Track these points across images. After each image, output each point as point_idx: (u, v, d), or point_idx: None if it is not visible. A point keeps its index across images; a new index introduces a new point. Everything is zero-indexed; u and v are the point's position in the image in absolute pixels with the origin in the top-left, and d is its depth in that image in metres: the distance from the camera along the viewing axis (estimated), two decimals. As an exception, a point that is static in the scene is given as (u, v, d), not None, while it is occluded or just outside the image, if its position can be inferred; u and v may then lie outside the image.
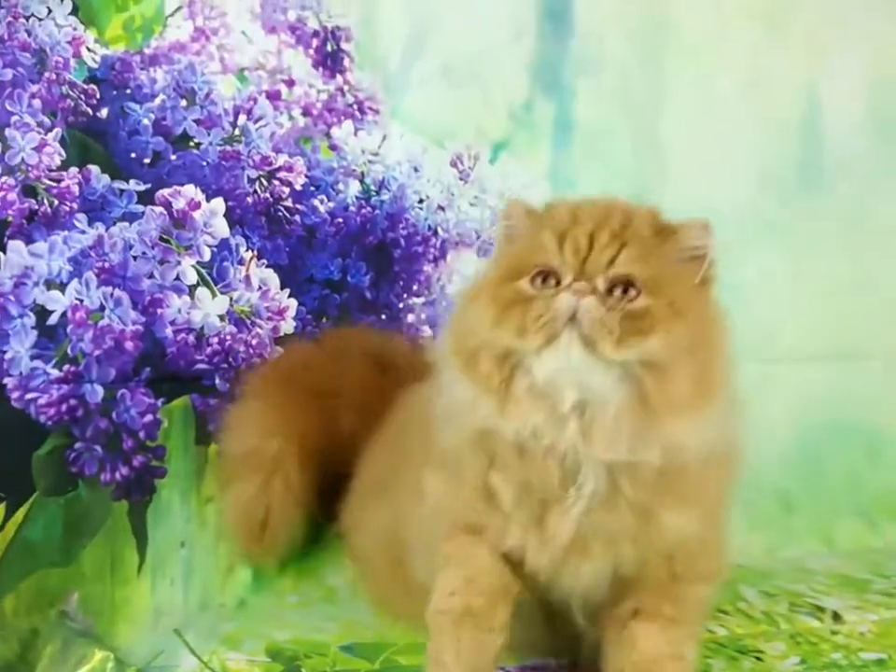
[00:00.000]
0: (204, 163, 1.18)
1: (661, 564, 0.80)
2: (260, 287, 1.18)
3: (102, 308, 1.10)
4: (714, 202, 1.34)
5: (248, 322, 1.17)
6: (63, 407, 1.09)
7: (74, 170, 1.12)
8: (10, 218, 1.09)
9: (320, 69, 1.25)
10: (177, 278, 1.14)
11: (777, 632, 0.98)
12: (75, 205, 1.12)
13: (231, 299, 1.16)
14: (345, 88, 1.25)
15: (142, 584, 1.07)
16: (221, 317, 1.16)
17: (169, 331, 1.13)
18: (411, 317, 1.25)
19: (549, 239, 0.77)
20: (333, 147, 1.22)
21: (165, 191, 1.14)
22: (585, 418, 0.73)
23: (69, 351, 1.09)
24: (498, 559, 0.80)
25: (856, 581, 1.14)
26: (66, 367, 1.09)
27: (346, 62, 1.25)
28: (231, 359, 1.16)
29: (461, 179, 1.26)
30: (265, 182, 1.19)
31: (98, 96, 1.15)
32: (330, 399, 1.14)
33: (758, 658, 0.92)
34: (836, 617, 1.02)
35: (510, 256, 0.80)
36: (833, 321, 1.36)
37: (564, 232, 0.77)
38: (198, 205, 1.16)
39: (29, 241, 1.09)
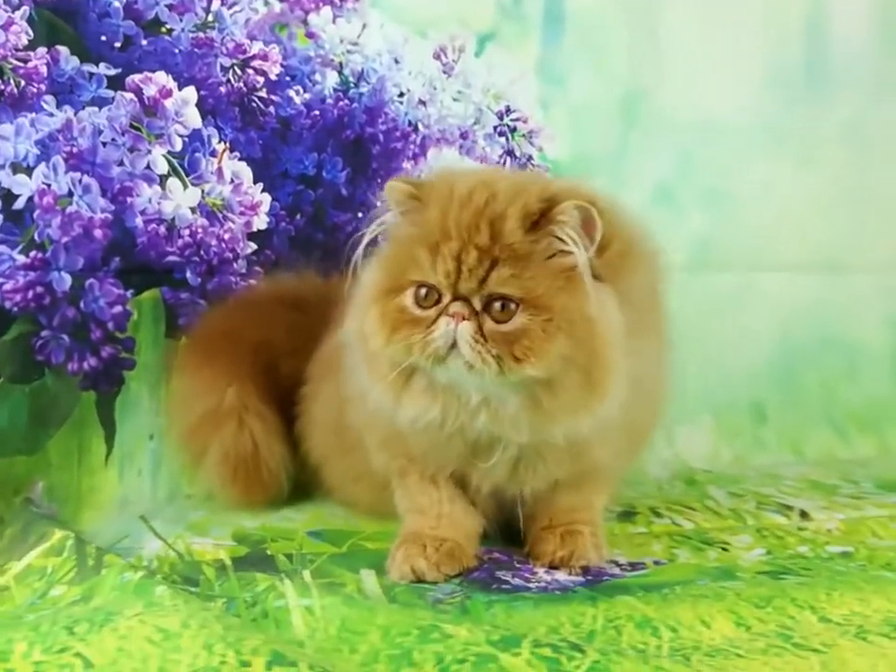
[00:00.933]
0: (176, 50, 1.14)
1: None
2: (233, 181, 1.15)
3: (70, 194, 1.08)
4: (713, 106, 1.30)
5: (220, 215, 1.15)
6: (30, 294, 1.07)
7: (42, 50, 1.09)
8: (-26, 97, 1.06)
9: (297, -47, 1.21)
10: (148, 167, 1.11)
11: (743, 527, 0.99)
12: (42, 87, 1.08)
13: (202, 191, 1.14)
14: (323, -27, 1.21)
15: (109, 474, 1.07)
16: (193, 209, 1.13)
17: (139, 221, 1.11)
18: (388, 216, 1.23)
19: (423, 256, 0.79)
20: (310, 35, 1.19)
21: (136, 77, 1.11)
22: (491, 409, 0.79)
23: (36, 237, 1.07)
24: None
25: (824, 486, 1.15)
26: (33, 253, 1.07)
27: (324, -54, 1.21)
28: (202, 253, 1.14)
29: (444, 72, 1.22)
30: (239, 71, 1.15)
31: (67, -25, 1.11)
32: (264, 349, 1.10)
33: (723, 549, 0.93)
34: (804, 515, 1.03)
35: (391, 261, 0.81)
36: (825, 233, 1.34)
37: (435, 248, 0.78)
38: (169, 93, 1.12)
39: (-6, 122, 1.06)
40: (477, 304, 0.77)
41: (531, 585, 0.83)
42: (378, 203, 0.84)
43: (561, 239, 0.76)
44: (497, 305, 0.76)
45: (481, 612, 0.76)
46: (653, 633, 0.72)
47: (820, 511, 1.04)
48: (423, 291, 0.78)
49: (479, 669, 0.63)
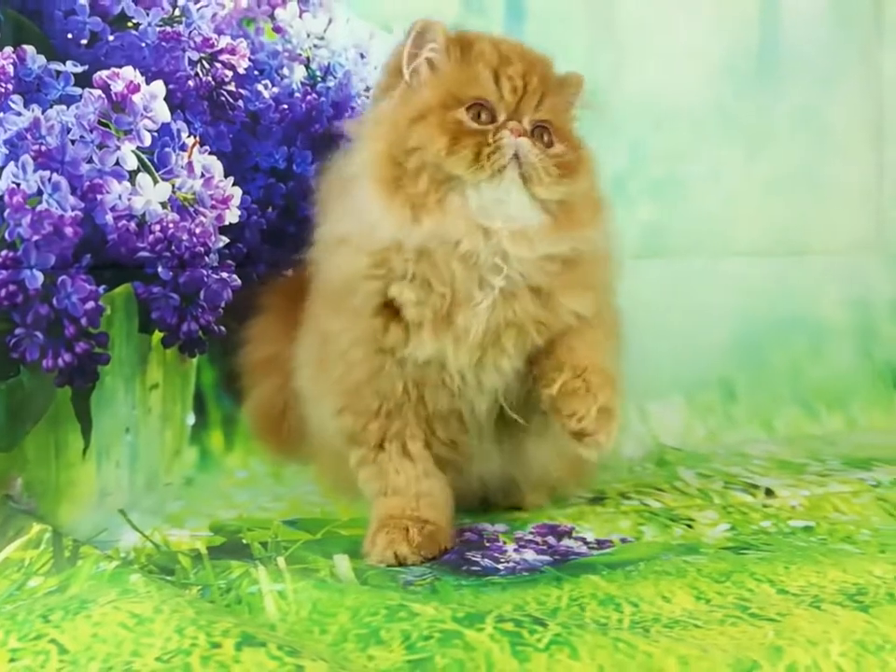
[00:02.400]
0: (143, 45, 1.14)
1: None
2: (203, 175, 1.16)
3: (39, 192, 1.08)
4: (669, 92, 1.33)
5: (191, 210, 1.16)
6: (2, 292, 1.07)
7: (8, 49, 1.09)
8: (-58, 99, 1.06)
9: (263, -53, 1.22)
10: (117, 163, 1.12)
11: (709, 505, 1.01)
12: (10, 86, 1.08)
13: (173, 185, 1.14)
14: (290, -32, 1.22)
15: (87, 467, 1.08)
16: (163, 204, 1.14)
17: (109, 218, 1.12)
18: (357, 208, 1.24)
19: (484, 74, 0.84)
20: (277, 30, 1.19)
21: (103, 73, 1.12)
22: (512, 231, 0.83)
23: (7, 236, 1.07)
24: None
25: (792, 465, 1.18)
26: (4, 252, 1.07)
27: (290, -59, 1.22)
28: (173, 247, 1.14)
29: (408, 67, 1.24)
30: (207, 65, 1.16)
31: (31, -27, 1.12)
32: None
33: (688, 526, 0.95)
34: (769, 493, 1.05)
35: (442, 83, 0.85)
36: (779, 216, 1.38)
37: (497, 69, 0.84)
38: (137, 88, 1.13)
39: (-38, 122, 1.07)
40: (527, 126, 0.84)
41: (500, 567, 0.85)
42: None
43: (575, 94, 0.90)
44: (541, 132, 0.85)
45: (450, 593, 0.78)
46: (615, 608, 0.74)
47: (786, 489, 1.06)
48: (480, 108, 0.83)
49: (444, 645, 0.65)
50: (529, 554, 0.88)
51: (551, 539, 0.92)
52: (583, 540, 0.91)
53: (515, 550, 0.89)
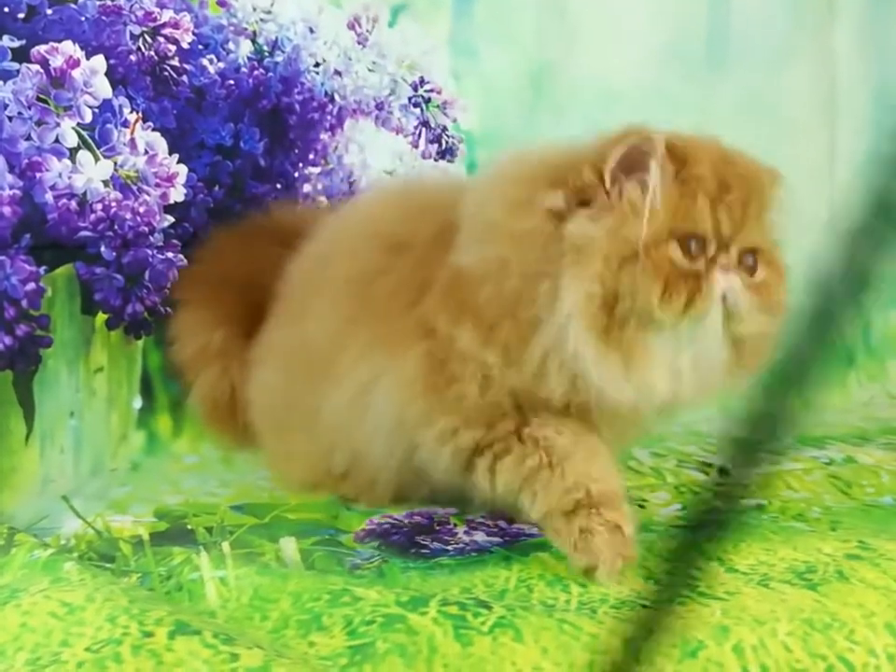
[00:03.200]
0: (83, 18, 1.11)
1: None
2: (147, 152, 1.13)
3: (-25, 171, 1.05)
4: (618, 76, 1.33)
5: (135, 188, 1.12)
6: (-62, 274, 1.04)
7: (-60, 23, 1.06)
8: None
9: (204, -82, 1.18)
10: (57, 140, 1.08)
11: (662, 484, 1.01)
12: (-57, 62, 1.05)
13: (115, 163, 1.11)
14: (233, -61, 1.18)
15: (30, 453, 1.05)
16: (105, 183, 1.10)
17: (49, 197, 1.08)
18: (307, 187, 1.22)
19: (703, 206, 0.75)
20: (222, 4, 1.16)
21: (42, 48, 1.07)
22: (699, 373, 0.77)
23: (-59, 215, 1.04)
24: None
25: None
26: (-61, 232, 1.04)
27: None
28: (116, 227, 1.11)
29: (359, 43, 1.21)
30: (149, 39, 1.13)
31: (-37, -56, 1.07)
32: (254, 288, 1.10)
33: (640, 506, 0.94)
34: (722, 471, 1.05)
35: (656, 213, 0.75)
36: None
37: (716, 199, 0.76)
38: (77, 63, 1.09)
39: None
40: (734, 255, 0.76)
41: (449, 548, 0.84)
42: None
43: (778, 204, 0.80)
44: (750, 258, 0.77)
45: (396, 576, 0.77)
46: (563, 589, 0.74)
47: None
48: (693, 242, 0.75)
49: (386, 630, 0.63)
50: (479, 536, 0.86)
51: (502, 523, 0.91)
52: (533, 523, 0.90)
53: (465, 532, 0.88)
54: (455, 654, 0.61)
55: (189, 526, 0.89)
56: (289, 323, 1.00)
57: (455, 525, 0.89)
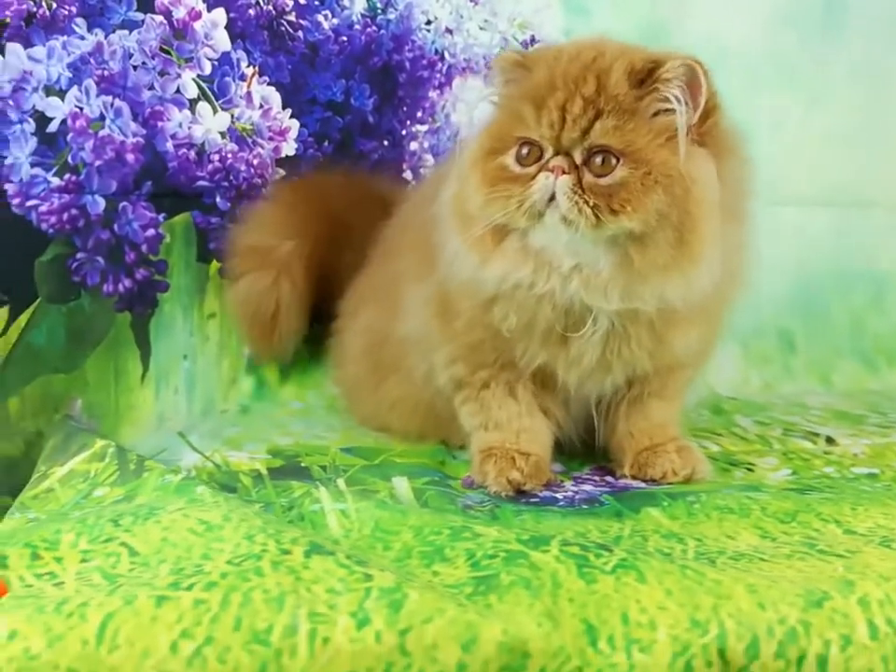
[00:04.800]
0: (206, -29, 1.14)
1: (668, 364, 0.88)
2: (262, 106, 1.16)
3: (102, 117, 1.08)
4: (731, 37, 1.29)
5: (249, 140, 1.15)
6: (65, 216, 1.08)
7: (72, -28, 1.09)
8: (8, 19, 1.06)
9: None
10: (178, 91, 1.12)
11: (769, 450, 1.00)
12: (73, 9, 1.08)
13: (232, 115, 1.14)
14: None
15: (145, 392, 1.09)
16: (222, 134, 1.14)
17: (170, 145, 1.12)
18: (414, 145, 1.23)
19: (528, 110, 0.79)
20: (338, -40, 1.18)
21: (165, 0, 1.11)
22: (583, 275, 0.79)
23: (70, 160, 1.08)
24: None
25: (852, 416, 1.15)
26: (67, 176, 1.08)
27: None
28: (231, 178, 1.14)
29: (471, 1, 1.21)
30: (268, -7, 1.15)
31: None
32: (342, 229, 1.14)
33: (749, 469, 0.94)
34: (830, 441, 1.03)
35: (494, 125, 0.81)
36: (839, 168, 1.34)
37: (541, 102, 0.78)
38: (199, 15, 1.12)
39: (27, 44, 1.06)
40: (578, 158, 0.77)
41: (559, 497, 0.85)
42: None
43: (666, 98, 0.76)
44: (598, 159, 0.77)
45: (510, 519, 0.78)
46: (679, 541, 0.73)
47: (847, 438, 1.04)
48: (525, 149, 0.79)
49: (509, 564, 0.64)
50: (588, 487, 0.87)
51: (609, 478, 0.91)
52: (641, 478, 0.90)
53: (573, 484, 0.88)
54: (579, 590, 0.62)
55: (303, 464, 0.92)
56: (384, 265, 1.02)
57: (563, 480, 0.90)
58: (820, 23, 1.33)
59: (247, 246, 1.11)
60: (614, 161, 0.76)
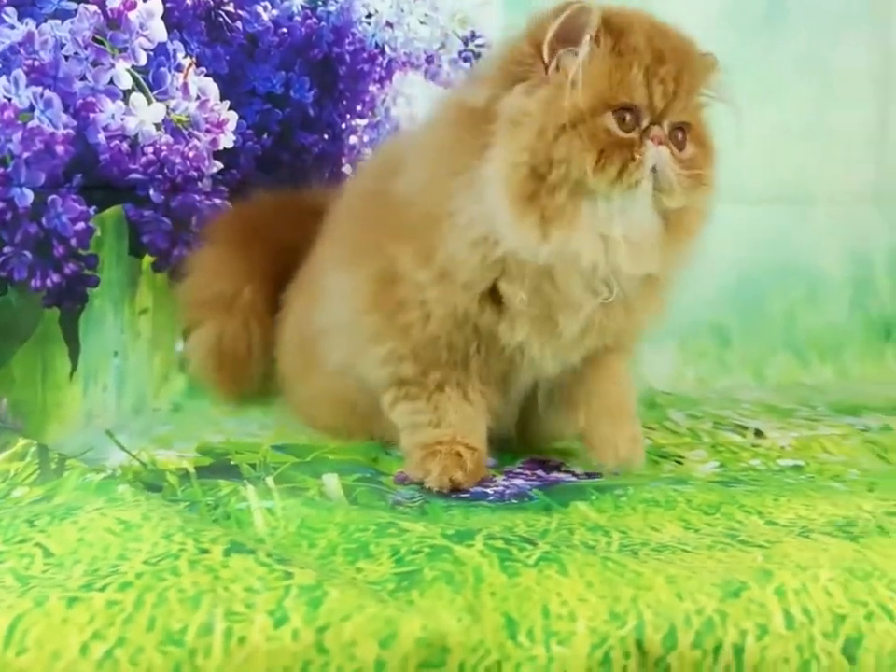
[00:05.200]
0: (140, -39, 1.12)
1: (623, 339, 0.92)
2: (199, 97, 1.14)
3: (31, 108, 1.06)
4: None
5: (185, 133, 1.14)
6: (-9, 209, 1.06)
7: (0, -40, 1.06)
8: (-68, 7, 1.03)
9: None
10: (111, 82, 1.10)
11: (699, 443, 1.01)
12: (2, -2, 1.06)
13: (167, 107, 1.12)
14: None
15: (74, 389, 1.07)
16: (157, 126, 1.12)
17: (102, 137, 1.10)
18: (353, 139, 1.22)
19: (637, 76, 0.77)
20: (277, -49, 1.17)
21: (98, -11, 1.09)
22: (631, 244, 0.79)
23: (-4, 151, 1.06)
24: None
25: (781, 409, 1.18)
26: (-7, 168, 1.06)
27: None
28: (166, 170, 1.13)
29: (411, -6, 1.21)
30: (205, -16, 1.14)
31: None
32: (291, 254, 1.10)
33: (678, 462, 0.95)
34: (759, 434, 1.05)
35: (594, 84, 0.76)
36: (780, 165, 1.36)
37: (649, 69, 0.78)
38: (133, 5, 1.10)
39: (-48, 33, 1.04)
40: (666, 129, 0.79)
41: (489, 492, 0.85)
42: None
43: (709, 88, 0.83)
44: (680, 134, 0.80)
45: (439, 514, 0.78)
46: (604, 534, 0.74)
47: (775, 431, 1.06)
48: (626, 112, 0.77)
49: (433, 559, 0.64)
50: (519, 481, 0.88)
51: (540, 472, 0.92)
52: (572, 473, 0.91)
53: (504, 479, 0.89)
54: (501, 584, 0.62)
55: (233, 462, 0.91)
56: (311, 262, 1.02)
57: (494, 475, 0.90)
58: (763, 19, 1.35)
59: (208, 297, 1.10)
60: (686, 138, 0.80)
